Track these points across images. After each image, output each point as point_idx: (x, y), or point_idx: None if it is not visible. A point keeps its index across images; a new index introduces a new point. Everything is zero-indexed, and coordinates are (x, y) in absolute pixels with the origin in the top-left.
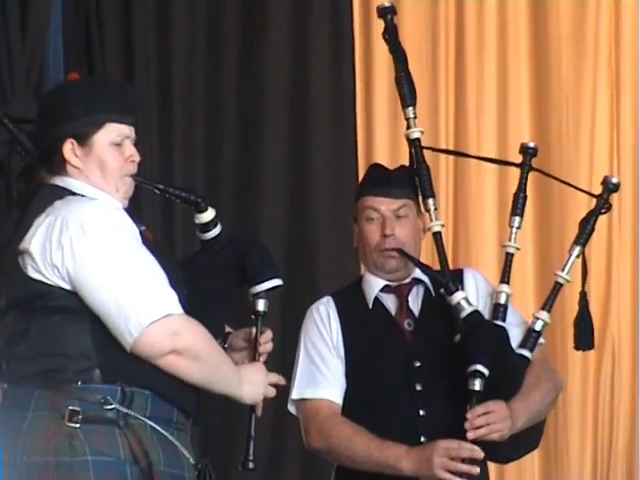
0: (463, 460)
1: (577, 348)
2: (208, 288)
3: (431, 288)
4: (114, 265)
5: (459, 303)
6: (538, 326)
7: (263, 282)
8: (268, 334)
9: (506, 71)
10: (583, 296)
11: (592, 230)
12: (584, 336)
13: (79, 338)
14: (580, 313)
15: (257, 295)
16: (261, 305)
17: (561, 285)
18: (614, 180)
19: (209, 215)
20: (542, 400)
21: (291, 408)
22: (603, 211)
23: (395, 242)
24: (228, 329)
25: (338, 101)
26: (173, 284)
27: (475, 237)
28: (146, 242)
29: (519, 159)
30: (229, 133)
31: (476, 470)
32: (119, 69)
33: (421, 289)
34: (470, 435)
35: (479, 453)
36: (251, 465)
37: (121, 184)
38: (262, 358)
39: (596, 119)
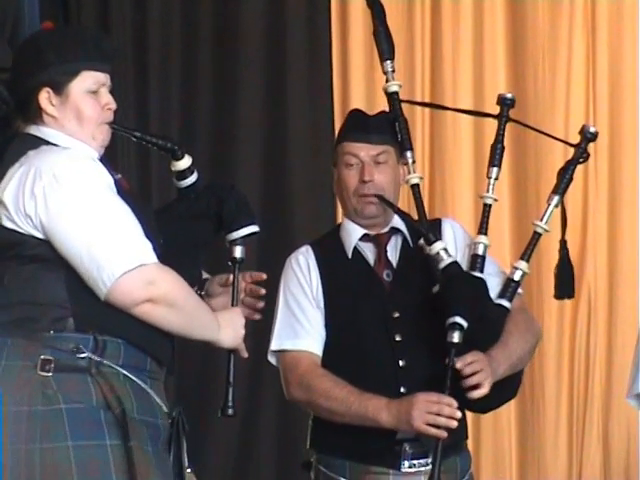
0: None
1: (557, 297)
2: (185, 235)
3: (409, 238)
4: (87, 214)
5: (438, 254)
6: (517, 276)
7: (240, 229)
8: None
9: (482, 22)
10: (563, 245)
11: (570, 179)
12: (565, 284)
13: (54, 287)
14: (561, 262)
15: (234, 242)
16: (238, 252)
17: (540, 235)
18: (592, 129)
19: (186, 162)
20: (522, 347)
21: (271, 359)
22: (581, 160)
23: (374, 188)
24: (206, 275)
25: (314, 51)
26: (148, 233)
27: (452, 188)
28: (121, 191)
29: (496, 110)
30: (205, 82)
31: (454, 423)
32: (95, 19)
33: (399, 239)
34: (474, 380)
35: (456, 404)
36: (230, 411)
37: (98, 132)
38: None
39: (572, 69)
